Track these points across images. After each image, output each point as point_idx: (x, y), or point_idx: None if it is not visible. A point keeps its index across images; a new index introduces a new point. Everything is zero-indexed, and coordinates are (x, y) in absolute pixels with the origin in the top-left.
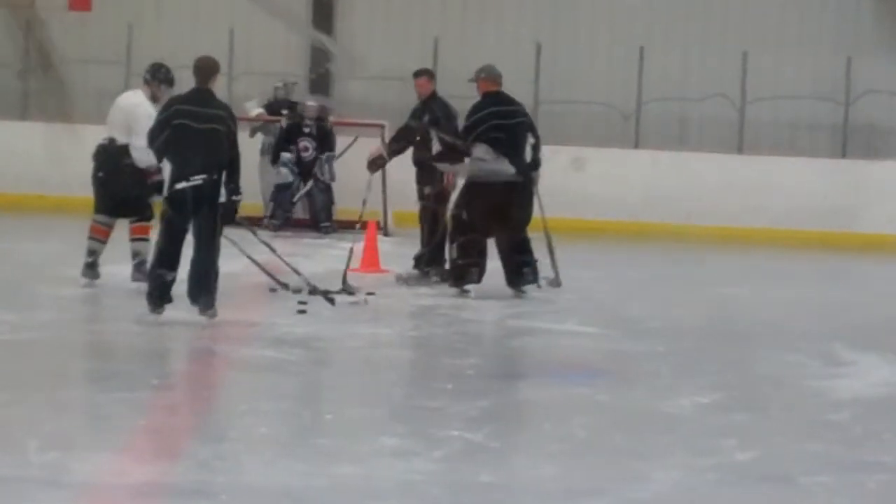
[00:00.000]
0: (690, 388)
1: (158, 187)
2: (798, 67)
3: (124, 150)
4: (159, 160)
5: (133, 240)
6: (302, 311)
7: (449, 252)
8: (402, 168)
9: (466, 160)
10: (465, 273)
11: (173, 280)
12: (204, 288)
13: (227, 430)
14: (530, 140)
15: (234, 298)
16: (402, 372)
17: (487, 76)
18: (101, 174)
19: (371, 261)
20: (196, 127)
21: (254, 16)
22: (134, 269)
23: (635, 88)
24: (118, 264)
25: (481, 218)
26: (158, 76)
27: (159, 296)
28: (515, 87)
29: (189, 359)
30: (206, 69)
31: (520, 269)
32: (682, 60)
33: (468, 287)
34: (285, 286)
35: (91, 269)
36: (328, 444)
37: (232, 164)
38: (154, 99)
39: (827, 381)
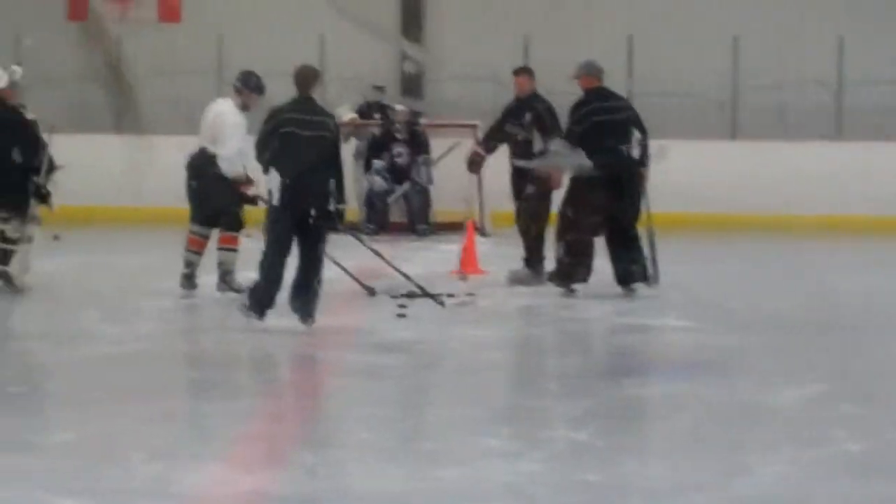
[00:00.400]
0: (795, 380)
1: (248, 197)
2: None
3: (213, 158)
4: (266, 170)
5: (220, 249)
6: (402, 315)
7: (556, 251)
8: (498, 167)
9: (572, 158)
10: (572, 272)
11: (279, 288)
12: (307, 297)
13: (331, 437)
14: (637, 135)
15: (334, 304)
16: (505, 373)
17: (589, 72)
18: (192, 183)
19: (470, 262)
20: (303, 135)
21: (343, 22)
22: (219, 279)
23: (730, 78)
24: (215, 274)
25: (588, 215)
26: (249, 84)
27: (265, 304)
28: (608, 80)
29: (291, 366)
30: (307, 77)
31: (628, 267)
32: (778, 48)
33: (576, 286)
34: (372, 291)
35: (188, 280)
36: (431, 448)
37: (337, 172)
38: (245, 107)
39: None
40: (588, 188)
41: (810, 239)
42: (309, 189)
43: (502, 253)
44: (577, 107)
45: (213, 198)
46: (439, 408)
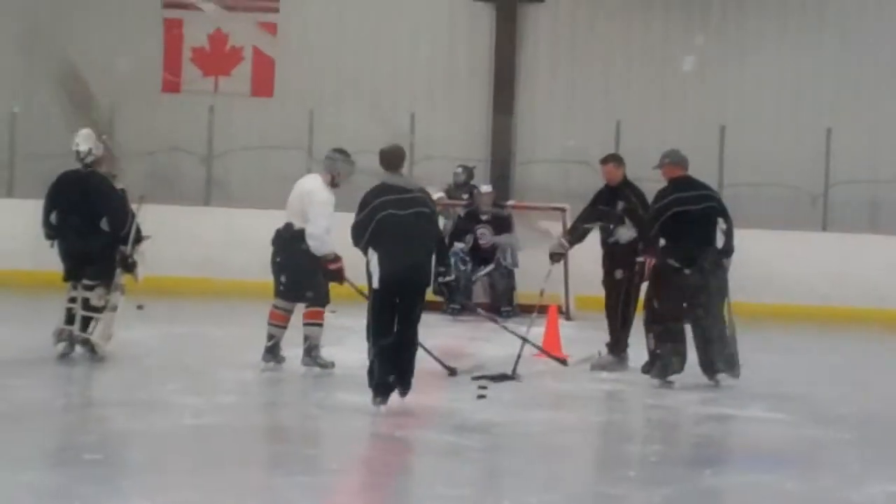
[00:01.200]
0: (882, 476)
1: (335, 275)
2: None
3: (300, 234)
4: (365, 252)
5: (306, 324)
6: (482, 396)
7: (647, 342)
8: (585, 251)
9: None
10: (666, 363)
11: (394, 368)
12: (408, 372)
13: None
14: (722, 225)
15: (416, 383)
16: (584, 458)
17: (672, 161)
18: (278, 259)
19: (552, 345)
20: (401, 214)
21: (434, 100)
22: (304, 354)
23: (823, 170)
24: (299, 347)
25: (673, 304)
26: (338, 157)
27: (385, 386)
28: (700, 169)
29: (370, 443)
30: (397, 156)
31: (711, 357)
32: (871, 140)
33: (672, 378)
34: (453, 371)
35: (271, 353)
36: None
37: (440, 245)
38: (333, 184)
39: None
40: (670, 278)
41: None
42: (413, 266)
43: (585, 337)
44: (658, 196)
45: (299, 273)
46: (516, 491)
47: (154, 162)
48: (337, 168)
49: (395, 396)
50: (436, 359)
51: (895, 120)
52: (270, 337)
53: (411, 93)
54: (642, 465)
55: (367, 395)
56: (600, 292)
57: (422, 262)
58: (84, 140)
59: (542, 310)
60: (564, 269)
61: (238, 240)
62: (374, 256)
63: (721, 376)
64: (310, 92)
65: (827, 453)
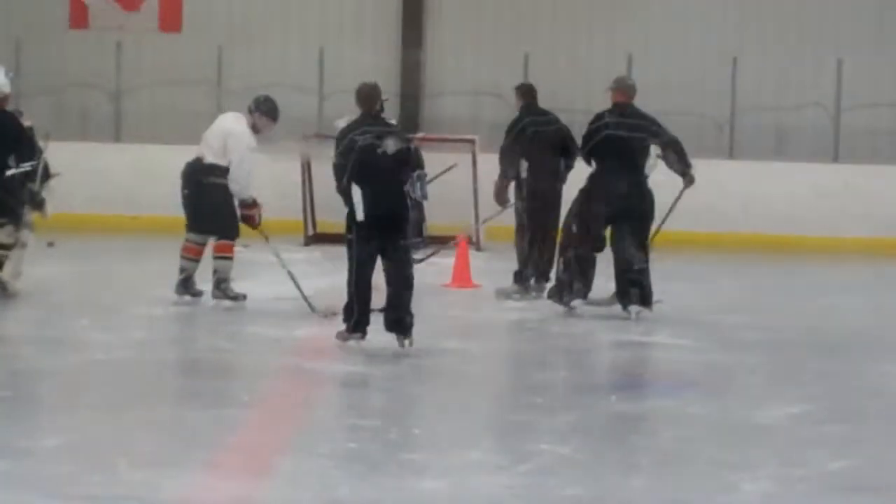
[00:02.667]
0: (783, 399)
1: (251, 220)
2: (894, 74)
3: (209, 168)
4: (348, 188)
5: (215, 257)
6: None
7: (557, 267)
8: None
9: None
10: (570, 289)
11: (370, 306)
12: (403, 315)
13: (316, 447)
14: (657, 152)
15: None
16: (492, 386)
17: (616, 87)
18: (185, 192)
19: (462, 276)
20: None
21: (343, 34)
22: (213, 287)
23: (729, 98)
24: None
25: (589, 232)
26: (262, 108)
27: (365, 321)
28: (607, 98)
29: (277, 376)
30: (371, 95)
31: (628, 288)
32: (776, 69)
33: (575, 303)
34: (312, 308)
35: (184, 286)
36: (417, 459)
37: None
38: (255, 130)
39: None
40: (594, 203)
41: (808, 260)
42: (391, 203)
43: (497, 268)
44: (593, 120)
45: (207, 206)
46: (425, 420)
47: (62, 98)
48: (258, 124)
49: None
50: (302, 295)
51: (798, 47)
52: (182, 270)
53: (321, 27)
54: (549, 393)
55: (277, 328)
56: (508, 223)
57: (400, 200)
58: None
59: (454, 241)
60: (474, 200)
61: (148, 175)
62: (356, 189)
63: (634, 308)
64: (218, 27)
65: (731, 377)
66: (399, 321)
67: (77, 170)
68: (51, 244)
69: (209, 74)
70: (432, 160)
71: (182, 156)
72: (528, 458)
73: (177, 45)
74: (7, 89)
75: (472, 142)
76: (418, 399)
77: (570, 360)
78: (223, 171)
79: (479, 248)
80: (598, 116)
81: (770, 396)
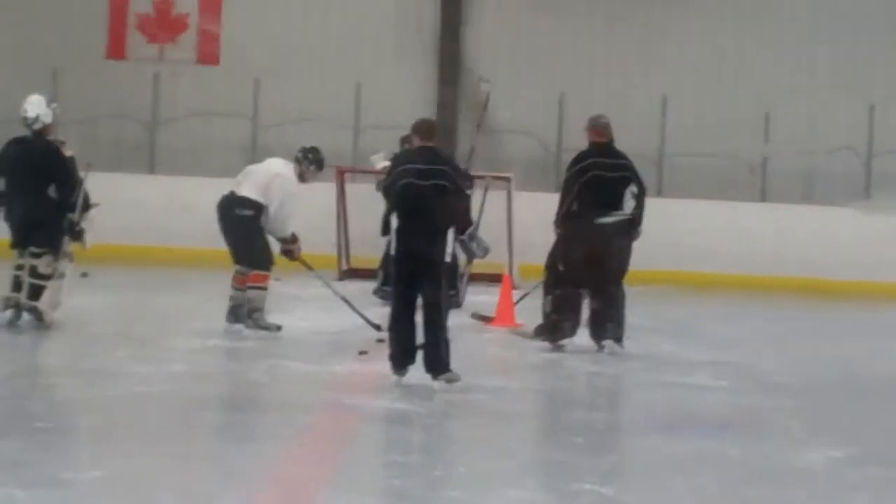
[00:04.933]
0: (823, 442)
1: (292, 255)
2: None
3: (241, 201)
4: (389, 216)
5: (248, 287)
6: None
7: (543, 305)
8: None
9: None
10: (558, 328)
11: (413, 341)
12: (436, 352)
13: (359, 483)
14: (633, 191)
15: (358, 350)
16: (531, 425)
17: (591, 126)
18: (220, 225)
19: (506, 314)
20: (422, 185)
21: (380, 69)
22: (246, 317)
23: (761, 142)
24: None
25: (575, 270)
26: (310, 157)
27: (403, 357)
28: (641, 139)
29: (316, 411)
30: (430, 127)
31: (604, 323)
32: (809, 114)
33: (563, 342)
34: (378, 327)
35: (233, 314)
36: (460, 497)
37: (460, 219)
38: (302, 179)
39: None
40: (575, 242)
41: (841, 303)
42: (424, 240)
43: (534, 305)
44: (573, 161)
45: (238, 238)
46: (467, 457)
47: (98, 129)
48: (305, 174)
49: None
50: (362, 315)
51: (831, 93)
52: (231, 298)
53: (357, 62)
54: (589, 432)
55: (314, 363)
56: (541, 260)
57: (434, 236)
58: (33, 106)
59: (495, 279)
60: (508, 237)
61: (182, 208)
62: (394, 220)
63: (609, 343)
64: (256, 60)
65: (771, 420)
66: (430, 361)
67: (111, 201)
68: (84, 275)
69: (245, 108)
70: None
71: (216, 188)
72: (572, 498)
73: (214, 78)
74: (49, 119)
75: (507, 179)
76: (459, 436)
77: (609, 400)
78: (254, 205)
79: (513, 286)
80: (581, 157)
81: (809, 440)
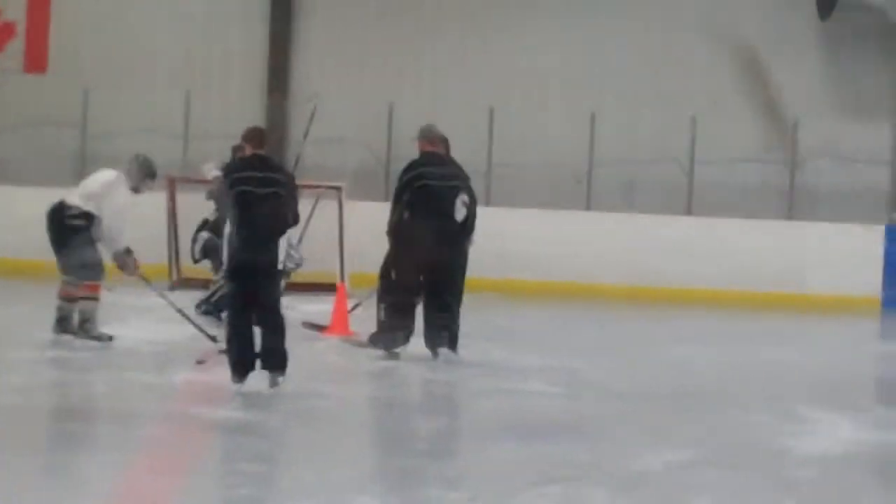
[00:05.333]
0: (658, 446)
1: (129, 267)
2: (745, 131)
3: (70, 210)
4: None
5: (80, 298)
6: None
7: (377, 313)
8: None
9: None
10: (392, 335)
11: (252, 350)
12: (272, 354)
13: (207, 493)
14: (463, 200)
15: (195, 359)
16: (375, 432)
17: (422, 136)
18: (50, 235)
19: (341, 323)
20: (258, 193)
21: (210, 79)
22: (77, 327)
23: (587, 152)
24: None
25: (409, 277)
26: (143, 169)
27: (243, 365)
28: (469, 150)
29: (161, 421)
30: (260, 135)
31: (438, 331)
32: (633, 124)
33: (397, 350)
34: (213, 338)
35: (60, 325)
36: None
37: (293, 226)
38: (134, 190)
39: (792, 438)
40: (408, 251)
41: (662, 311)
42: (260, 248)
43: (368, 315)
44: (404, 171)
45: (68, 248)
46: (314, 465)
47: None
48: (138, 185)
49: None
50: (198, 328)
51: (654, 104)
52: (58, 309)
53: (187, 71)
54: (432, 439)
55: (153, 374)
56: (373, 269)
57: (273, 243)
58: None
59: (327, 288)
60: (340, 246)
61: (13, 218)
62: (228, 230)
63: (444, 351)
64: (85, 69)
65: (605, 425)
66: (271, 360)
67: None
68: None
69: (74, 117)
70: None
71: (44, 198)
72: None
73: (42, 86)
74: None
75: (339, 189)
76: (303, 445)
77: (448, 407)
78: (84, 215)
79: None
80: (411, 166)
81: (646, 444)
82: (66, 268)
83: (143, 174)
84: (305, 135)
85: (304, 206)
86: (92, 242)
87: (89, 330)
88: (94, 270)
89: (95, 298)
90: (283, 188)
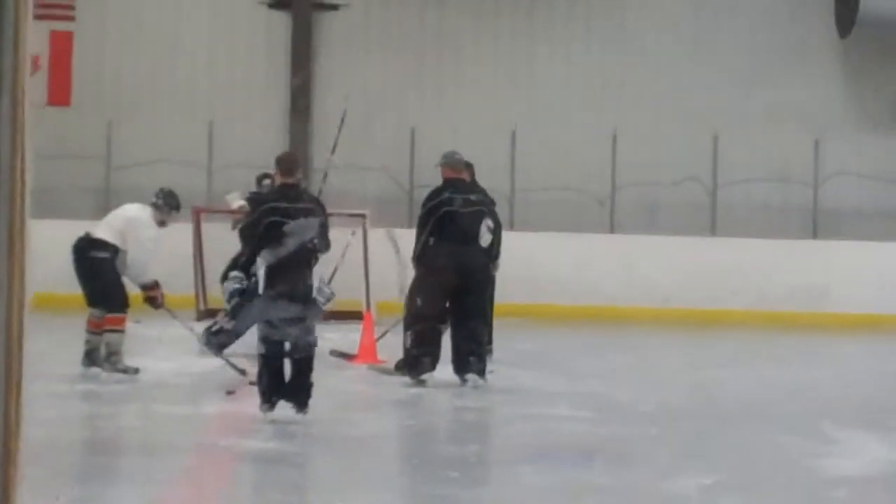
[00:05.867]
0: (690, 469)
1: (154, 301)
2: (767, 150)
3: (96, 243)
4: (255, 254)
5: (105, 330)
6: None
7: (404, 340)
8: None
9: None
10: (418, 362)
11: (283, 377)
12: (303, 384)
13: None
14: (488, 225)
15: (225, 389)
16: (406, 460)
17: (445, 163)
18: (76, 268)
19: (369, 351)
20: (292, 223)
21: (232, 109)
22: (104, 360)
23: (609, 174)
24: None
25: (434, 304)
26: (167, 201)
27: (272, 392)
28: (491, 173)
29: (194, 453)
30: (293, 161)
31: (466, 357)
32: (654, 145)
33: (424, 377)
34: (243, 371)
35: (88, 357)
36: None
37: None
38: (161, 224)
39: (821, 459)
40: (434, 277)
41: (689, 332)
42: (294, 278)
43: (395, 342)
44: (428, 197)
45: (94, 281)
46: (347, 494)
47: None
48: (164, 217)
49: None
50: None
51: (675, 124)
52: (87, 342)
53: (209, 101)
54: (463, 466)
55: (183, 405)
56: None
57: (306, 275)
58: None
59: (354, 316)
60: (365, 274)
61: (36, 251)
62: (261, 261)
63: (471, 377)
64: (108, 102)
65: (635, 449)
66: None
67: None
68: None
69: (98, 149)
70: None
71: (69, 231)
72: None
73: (66, 119)
74: None
75: (363, 216)
76: (335, 474)
77: (478, 434)
78: (109, 247)
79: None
80: (435, 192)
81: (677, 467)
82: (92, 300)
83: (169, 207)
84: (334, 148)
85: (334, 235)
86: (117, 275)
87: (115, 363)
88: (119, 303)
89: (121, 331)
90: (316, 217)
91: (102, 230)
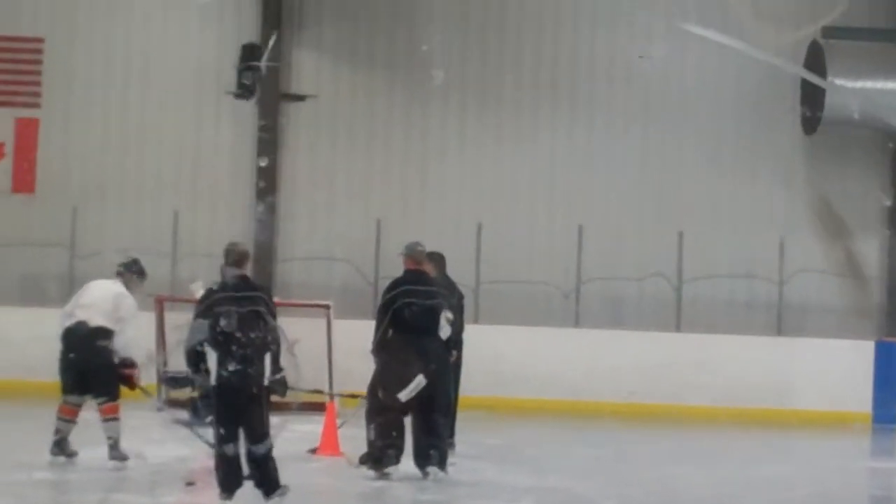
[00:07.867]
0: None
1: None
2: (732, 246)
3: (98, 332)
4: (197, 355)
5: (106, 419)
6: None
7: (367, 433)
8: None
9: None
10: (383, 454)
11: (240, 467)
12: (268, 473)
13: None
14: (447, 317)
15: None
16: None
17: (407, 254)
18: (71, 356)
19: (331, 443)
20: (239, 311)
21: (198, 197)
22: (110, 450)
23: (575, 268)
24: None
25: (396, 397)
26: (133, 269)
27: (232, 482)
28: (457, 266)
29: None
30: (243, 255)
31: (426, 450)
32: (619, 241)
33: (388, 469)
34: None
35: (58, 446)
36: None
37: (275, 344)
38: (127, 290)
39: None
40: (395, 370)
41: (653, 427)
42: (247, 366)
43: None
44: (387, 289)
45: (95, 369)
46: None
47: None
48: (131, 285)
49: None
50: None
51: (640, 220)
52: (57, 431)
53: (175, 190)
54: None
55: (144, 496)
56: (362, 387)
57: (257, 360)
58: None
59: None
60: (329, 365)
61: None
62: (211, 353)
63: (432, 469)
64: (72, 189)
65: None
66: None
67: None
68: None
69: (62, 236)
70: (286, 325)
71: (30, 318)
72: None
73: (30, 206)
74: None
75: (327, 307)
76: None
77: None
78: (110, 334)
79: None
80: (394, 284)
81: None
82: (89, 388)
83: (133, 274)
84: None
85: (292, 324)
86: (114, 362)
87: (123, 452)
88: (118, 391)
89: (118, 419)
90: (264, 306)
91: (98, 317)
